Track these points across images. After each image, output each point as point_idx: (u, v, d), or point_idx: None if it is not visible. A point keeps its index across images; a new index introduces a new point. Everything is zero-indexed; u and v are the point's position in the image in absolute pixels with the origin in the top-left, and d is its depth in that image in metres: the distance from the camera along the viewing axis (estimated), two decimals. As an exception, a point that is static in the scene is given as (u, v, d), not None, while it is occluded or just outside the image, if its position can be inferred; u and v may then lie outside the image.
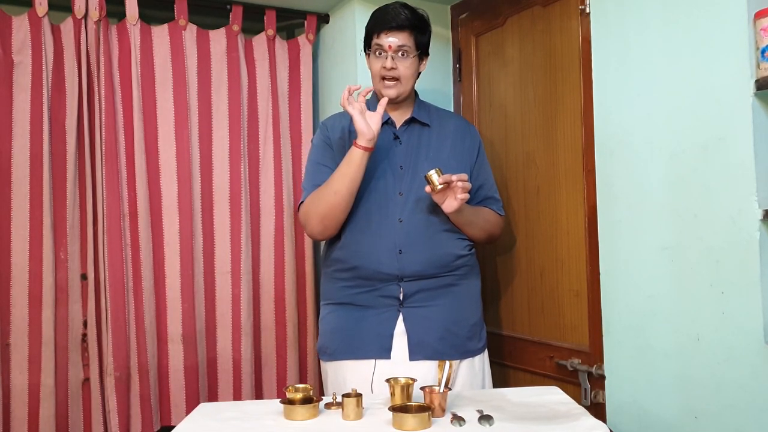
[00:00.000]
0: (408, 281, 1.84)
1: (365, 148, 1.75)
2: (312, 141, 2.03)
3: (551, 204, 2.11)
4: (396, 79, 1.87)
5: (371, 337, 1.84)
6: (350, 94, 1.76)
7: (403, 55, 1.86)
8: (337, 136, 1.94)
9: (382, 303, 1.85)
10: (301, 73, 2.60)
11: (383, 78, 1.87)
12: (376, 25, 1.87)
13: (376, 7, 1.94)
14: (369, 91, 1.82)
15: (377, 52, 1.87)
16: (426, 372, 1.77)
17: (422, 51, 1.91)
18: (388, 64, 1.84)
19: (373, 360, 1.83)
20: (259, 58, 2.52)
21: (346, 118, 1.97)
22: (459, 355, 1.86)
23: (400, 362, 1.82)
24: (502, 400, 1.65)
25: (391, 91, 1.87)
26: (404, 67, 1.86)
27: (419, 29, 1.88)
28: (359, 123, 1.74)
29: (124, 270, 2.25)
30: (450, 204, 1.77)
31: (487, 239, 2.00)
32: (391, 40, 1.84)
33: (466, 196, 1.76)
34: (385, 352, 1.83)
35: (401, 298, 1.85)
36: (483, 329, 1.97)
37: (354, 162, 1.76)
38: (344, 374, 1.85)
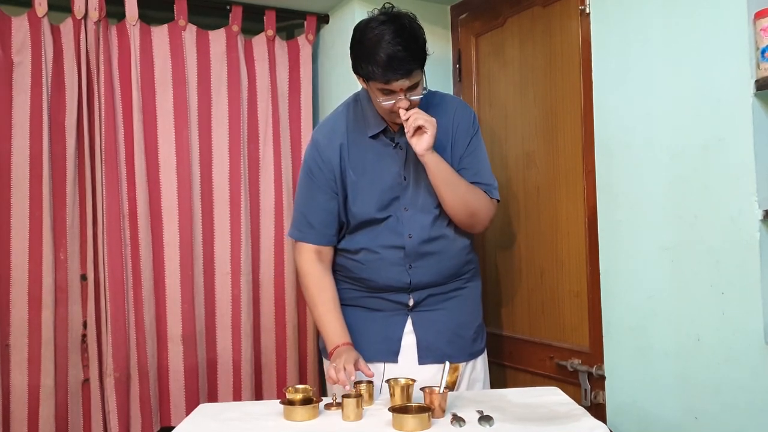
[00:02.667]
0: (418, 291, 1.84)
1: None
2: (304, 157, 1.91)
3: (551, 204, 2.10)
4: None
5: (379, 340, 1.83)
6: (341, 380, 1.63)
7: (413, 88, 1.69)
8: (336, 160, 1.82)
9: (391, 307, 1.85)
10: (300, 74, 2.60)
11: (392, 111, 1.72)
12: (381, 76, 1.64)
13: (376, 9, 1.74)
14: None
15: (386, 92, 1.69)
16: (434, 375, 1.76)
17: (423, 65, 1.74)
18: (404, 105, 1.68)
19: (382, 363, 1.82)
20: (259, 59, 2.52)
21: (339, 122, 1.86)
22: (465, 357, 1.87)
23: (408, 366, 1.81)
24: (502, 400, 1.64)
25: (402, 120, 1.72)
26: (415, 97, 1.71)
27: (422, 57, 1.69)
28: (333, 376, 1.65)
29: (124, 270, 2.24)
30: (418, 143, 1.68)
31: (469, 217, 1.82)
32: (401, 83, 1.65)
33: (422, 121, 1.66)
34: (392, 355, 1.83)
35: (411, 304, 1.85)
36: (484, 329, 1.98)
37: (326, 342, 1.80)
38: None
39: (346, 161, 1.82)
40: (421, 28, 1.70)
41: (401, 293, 1.84)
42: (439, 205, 1.81)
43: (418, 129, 1.69)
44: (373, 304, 1.86)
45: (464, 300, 1.89)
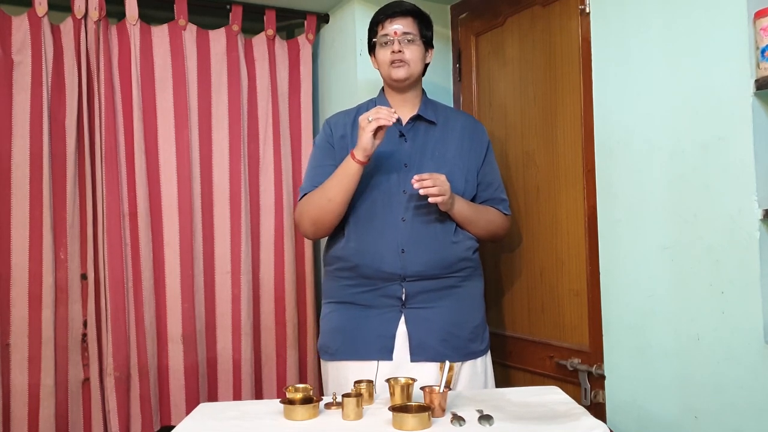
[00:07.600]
0: (410, 281, 1.84)
1: (360, 162, 1.77)
2: (314, 141, 2.04)
3: (551, 204, 2.11)
4: (404, 62, 1.90)
5: (373, 337, 1.84)
6: (379, 119, 1.72)
7: (409, 41, 1.90)
8: (339, 134, 1.95)
9: (384, 303, 1.85)
10: (300, 73, 2.60)
11: (392, 62, 1.90)
12: (380, 15, 1.93)
13: (376, 8, 1.97)
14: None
15: (384, 42, 1.91)
16: (428, 373, 1.77)
17: (427, 41, 1.96)
18: (396, 47, 1.88)
19: (376, 361, 1.83)
20: (259, 58, 2.52)
21: (349, 115, 1.99)
22: (461, 357, 1.86)
23: (402, 363, 1.81)
24: (502, 399, 1.65)
25: (400, 72, 1.89)
26: (411, 51, 1.90)
27: (422, 18, 1.94)
28: (366, 139, 1.73)
29: (124, 270, 2.25)
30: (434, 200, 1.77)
31: (490, 238, 2.01)
32: (396, 27, 1.89)
33: (435, 191, 1.74)
34: (386, 353, 1.83)
35: (403, 298, 1.84)
36: (485, 331, 1.96)
37: (350, 173, 1.79)
38: (346, 374, 1.85)
39: (349, 136, 1.93)
40: (430, 18, 1.98)
41: (394, 283, 1.84)
42: None
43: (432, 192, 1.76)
44: (367, 300, 1.86)
45: (460, 299, 1.89)
